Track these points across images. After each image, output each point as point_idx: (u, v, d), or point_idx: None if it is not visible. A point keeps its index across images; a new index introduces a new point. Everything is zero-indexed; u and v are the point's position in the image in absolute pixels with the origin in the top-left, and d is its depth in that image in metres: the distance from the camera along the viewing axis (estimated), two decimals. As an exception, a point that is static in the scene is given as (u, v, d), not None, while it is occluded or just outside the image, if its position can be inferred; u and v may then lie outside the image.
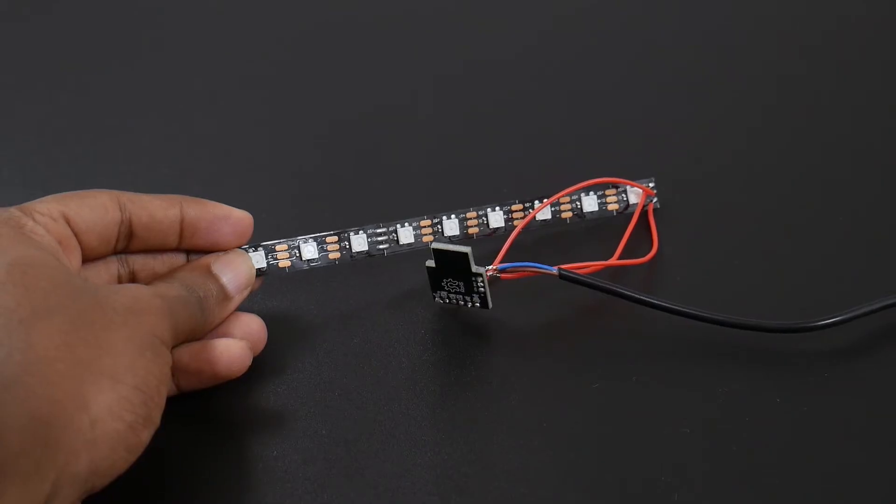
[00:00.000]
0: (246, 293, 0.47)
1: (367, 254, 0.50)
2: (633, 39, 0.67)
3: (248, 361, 0.46)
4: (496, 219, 0.52)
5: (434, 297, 0.49)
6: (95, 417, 0.38)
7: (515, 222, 0.52)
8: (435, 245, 0.47)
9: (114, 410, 0.38)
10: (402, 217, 0.50)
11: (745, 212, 0.55)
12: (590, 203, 0.54)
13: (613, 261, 0.51)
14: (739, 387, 0.46)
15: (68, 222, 0.43)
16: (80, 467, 0.37)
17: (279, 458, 0.44)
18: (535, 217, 0.53)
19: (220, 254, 0.47)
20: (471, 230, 0.52)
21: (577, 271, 0.48)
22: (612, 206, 0.54)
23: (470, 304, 0.49)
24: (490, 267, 0.48)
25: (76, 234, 0.44)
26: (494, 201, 0.52)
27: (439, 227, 0.51)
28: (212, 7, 0.69)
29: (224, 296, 0.46)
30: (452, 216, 0.51)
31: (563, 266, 0.48)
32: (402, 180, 0.58)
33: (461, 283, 0.48)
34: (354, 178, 0.58)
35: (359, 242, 0.50)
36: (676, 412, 0.46)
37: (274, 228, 0.54)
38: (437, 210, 0.51)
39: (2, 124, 0.61)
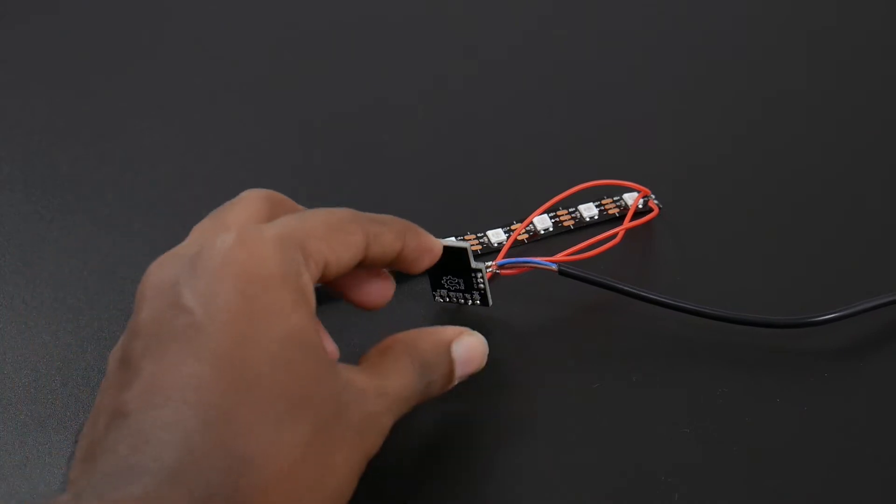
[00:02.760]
0: (466, 378, 0.44)
1: None
2: (629, 42, 0.67)
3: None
4: (497, 235, 0.53)
5: (434, 297, 0.49)
6: None
7: (514, 226, 0.53)
8: None
9: None
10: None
11: (744, 208, 0.55)
12: (588, 209, 0.54)
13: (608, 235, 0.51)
14: (739, 386, 0.46)
15: (326, 268, 0.39)
16: None
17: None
18: (535, 227, 0.53)
19: (464, 332, 0.43)
20: (473, 248, 0.52)
21: (577, 255, 0.48)
22: (612, 211, 0.54)
23: (470, 302, 0.49)
24: (490, 263, 0.48)
25: (323, 277, 0.40)
26: (493, 217, 0.53)
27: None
28: (212, 7, 0.69)
29: (449, 380, 0.43)
30: (451, 238, 0.52)
31: (561, 260, 0.48)
32: (403, 180, 0.58)
33: (461, 281, 0.48)
34: (354, 179, 0.58)
35: None
36: (676, 412, 0.46)
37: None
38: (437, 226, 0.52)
39: (2, 124, 0.61)
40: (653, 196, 0.54)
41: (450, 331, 0.43)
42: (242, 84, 0.64)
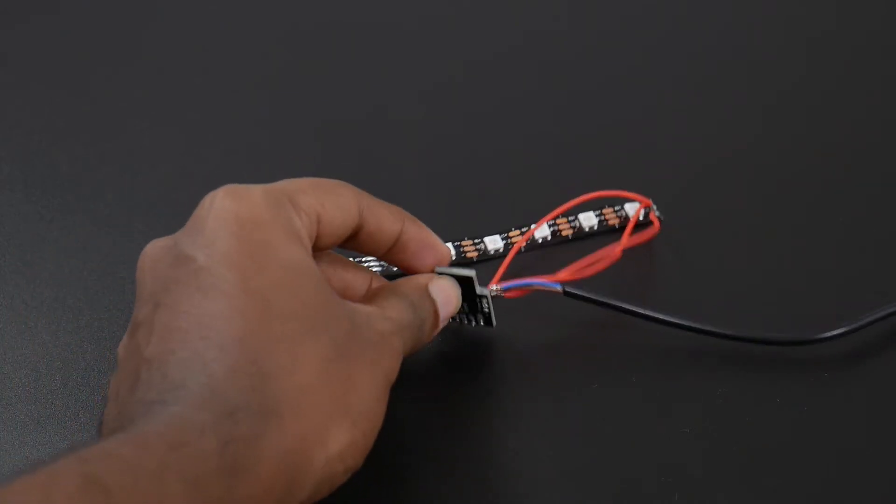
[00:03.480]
0: (446, 322, 0.46)
1: None
2: (626, 44, 0.67)
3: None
4: (494, 242, 0.52)
5: None
6: (329, 458, 0.36)
7: (514, 240, 0.52)
8: (439, 269, 0.46)
9: (343, 454, 0.37)
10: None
11: (744, 221, 0.55)
12: (588, 219, 0.54)
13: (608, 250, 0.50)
14: (739, 387, 0.46)
15: (319, 224, 0.41)
16: None
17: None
18: (533, 235, 0.53)
19: (435, 277, 0.45)
20: (469, 254, 0.52)
21: (580, 273, 0.48)
22: (612, 221, 0.54)
23: (474, 324, 0.48)
24: (494, 287, 0.48)
25: (319, 237, 0.42)
26: (490, 221, 0.53)
27: None
28: (212, 7, 0.69)
29: (436, 321, 0.45)
30: (449, 244, 0.52)
31: (564, 279, 0.48)
32: (401, 183, 0.58)
33: (465, 304, 0.47)
34: (352, 181, 0.58)
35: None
36: (676, 412, 0.46)
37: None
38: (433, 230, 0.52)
39: (2, 124, 0.61)
40: (654, 207, 0.54)
41: (424, 276, 0.45)
42: (242, 84, 0.64)
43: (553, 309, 0.49)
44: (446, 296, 0.45)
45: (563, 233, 0.53)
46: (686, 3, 0.70)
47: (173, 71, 0.65)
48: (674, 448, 0.44)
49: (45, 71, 0.64)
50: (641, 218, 0.53)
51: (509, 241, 0.53)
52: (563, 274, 0.48)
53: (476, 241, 0.53)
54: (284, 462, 0.35)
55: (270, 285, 0.37)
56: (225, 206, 0.39)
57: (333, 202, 0.42)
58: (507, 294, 0.48)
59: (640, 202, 0.53)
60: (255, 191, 0.39)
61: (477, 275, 0.46)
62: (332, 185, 0.43)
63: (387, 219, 0.44)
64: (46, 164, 0.58)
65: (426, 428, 0.45)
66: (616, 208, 0.54)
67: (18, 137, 0.60)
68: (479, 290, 0.47)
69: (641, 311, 0.48)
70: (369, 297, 0.43)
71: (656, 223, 0.53)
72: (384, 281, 0.46)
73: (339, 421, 0.37)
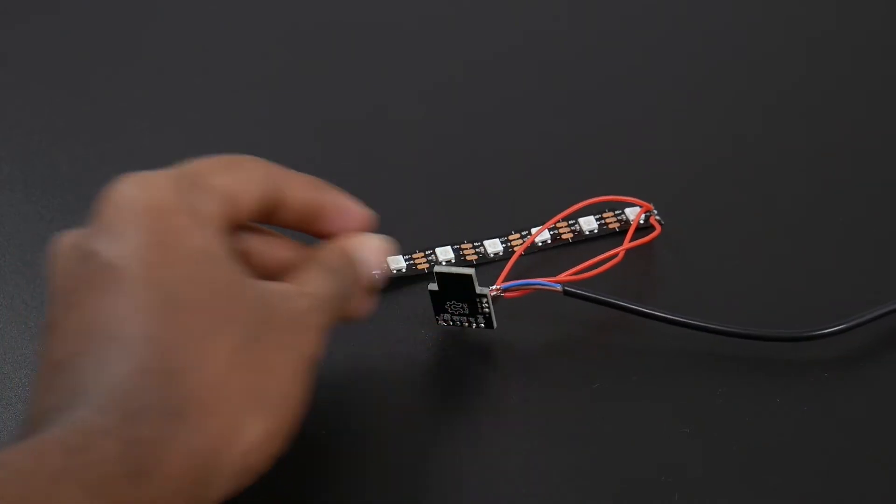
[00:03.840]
0: (384, 278, 0.44)
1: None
2: (626, 45, 0.67)
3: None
4: (494, 245, 0.52)
5: (437, 320, 0.49)
6: (245, 451, 0.35)
7: (514, 246, 0.52)
8: (438, 268, 0.46)
9: (262, 445, 0.36)
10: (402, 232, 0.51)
11: (744, 220, 0.55)
12: (588, 223, 0.54)
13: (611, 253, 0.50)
14: (739, 387, 0.46)
15: (231, 197, 0.40)
16: (213, 500, 0.35)
17: (279, 458, 0.44)
18: (534, 241, 0.53)
19: (355, 238, 0.43)
20: (468, 257, 0.52)
21: (579, 275, 0.48)
22: (613, 225, 0.54)
23: (475, 326, 0.48)
24: (494, 287, 0.48)
25: (236, 213, 0.40)
26: (490, 223, 0.53)
27: (433, 256, 0.52)
28: (213, 7, 0.69)
29: (368, 284, 0.43)
30: (447, 247, 0.52)
31: (564, 280, 0.48)
32: (400, 185, 0.58)
33: (465, 305, 0.47)
34: (351, 181, 0.58)
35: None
36: (676, 412, 0.46)
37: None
38: (433, 233, 0.52)
39: (2, 124, 0.61)
40: (655, 212, 0.53)
41: (343, 238, 0.43)
42: (242, 84, 0.64)
43: (553, 309, 0.49)
44: (373, 253, 0.43)
45: (564, 236, 0.53)
46: (686, 3, 0.70)
47: (173, 71, 0.65)
48: (674, 448, 0.44)
49: (45, 71, 0.64)
50: (642, 222, 0.53)
51: (509, 244, 0.53)
52: (563, 276, 0.48)
53: (476, 244, 0.53)
54: (193, 461, 0.34)
55: (176, 278, 0.36)
56: (130, 195, 0.37)
57: (246, 177, 0.41)
58: (507, 294, 0.48)
59: (641, 206, 0.53)
60: (160, 177, 0.38)
61: (477, 276, 0.46)
62: (242, 159, 0.42)
63: (303, 188, 0.43)
64: (46, 164, 0.58)
65: (426, 428, 0.45)
66: (616, 212, 0.54)
67: (18, 137, 0.60)
68: (478, 289, 0.47)
69: (641, 308, 0.48)
70: (292, 271, 0.41)
71: (657, 227, 0.53)
72: (309, 251, 0.43)
73: (252, 412, 0.36)
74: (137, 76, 0.64)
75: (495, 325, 0.48)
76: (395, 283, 0.51)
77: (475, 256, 0.52)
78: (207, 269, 0.37)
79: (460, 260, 0.52)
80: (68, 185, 0.57)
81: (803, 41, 0.67)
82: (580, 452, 0.45)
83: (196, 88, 0.63)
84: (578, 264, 0.49)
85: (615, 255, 0.50)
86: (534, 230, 0.53)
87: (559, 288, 0.47)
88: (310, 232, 0.44)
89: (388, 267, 0.45)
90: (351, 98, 0.63)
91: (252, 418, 0.36)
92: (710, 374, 0.47)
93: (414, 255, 0.52)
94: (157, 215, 0.37)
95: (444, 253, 0.52)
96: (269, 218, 0.43)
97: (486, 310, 0.47)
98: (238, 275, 0.37)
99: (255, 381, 0.36)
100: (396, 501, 0.43)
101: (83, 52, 0.66)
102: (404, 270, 0.51)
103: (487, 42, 0.67)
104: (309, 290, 0.40)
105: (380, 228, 0.54)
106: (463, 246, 0.53)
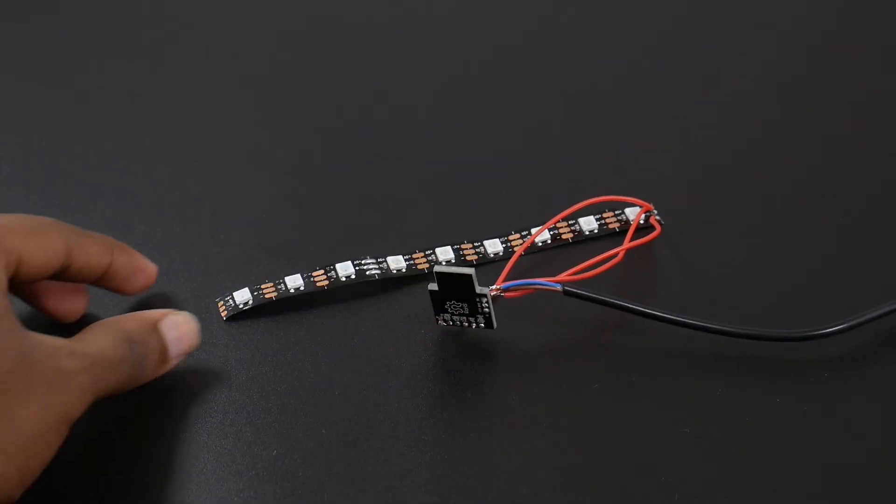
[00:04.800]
0: (183, 357, 0.46)
1: (378, 275, 0.51)
2: (627, 45, 0.67)
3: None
4: (494, 245, 0.52)
5: (437, 321, 0.49)
6: None
7: (514, 246, 0.52)
8: (438, 268, 0.46)
9: None
10: (403, 232, 0.51)
11: (744, 220, 0.55)
12: (588, 223, 0.54)
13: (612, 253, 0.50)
14: (739, 387, 0.46)
15: (19, 264, 0.42)
16: None
17: (279, 458, 0.44)
18: (534, 241, 0.53)
19: (169, 313, 0.46)
20: (468, 257, 0.52)
21: (578, 275, 0.48)
22: (613, 225, 0.54)
23: (475, 326, 0.48)
24: (494, 287, 0.48)
25: (18, 275, 0.43)
26: (490, 223, 0.53)
27: (433, 256, 0.52)
28: (212, 7, 0.69)
29: (164, 358, 0.45)
30: (447, 247, 0.52)
31: (564, 280, 0.48)
32: (402, 184, 0.58)
33: (465, 305, 0.47)
34: (352, 180, 0.58)
35: (345, 268, 0.51)
36: (676, 412, 0.46)
37: (274, 229, 0.54)
38: (433, 233, 0.52)
39: (2, 124, 0.61)
40: (655, 212, 0.53)
41: (156, 312, 0.45)
42: (242, 84, 0.64)
43: (553, 309, 0.49)
44: (181, 332, 0.45)
45: (564, 236, 0.53)
46: (686, 3, 0.70)
47: (173, 71, 0.65)
48: (674, 448, 0.44)
49: (45, 71, 0.64)
50: (642, 222, 0.53)
51: (509, 244, 0.53)
52: (563, 276, 0.48)
53: (476, 244, 0.53)
54: None
55: None
56: None
57: (37, 244, 0.43)
58: (507, 294, 0.48)
59: (642, 206, 0.53)
60: None
61: (477, 276, 0.46)
62: (40, 224, 0.43)
63: (95, 254, 0.46)
64: (46, 164, 0.58)
65: (426, 428, 0.45)
66: (617, 212, 0.54)
67: (18, 137, 0.60)
68: (478, 289, 0.47)
69: (641, 308, 0.48)
70: (86, 328, 0.43)
71: (657, 227, 0.53)
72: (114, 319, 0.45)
73: None
74: (137, 76, 0.64)
75: (495, 325, 0.48)
76: (395, 283, 0.51)
77: (475, 256, 0.52)
78: None
79: (460, 260, 0.52)
80: (68, 185, 0.57)
81: (803, 41, 0.67)
82: (580, 452, 0.45)
83: (196, 88, 0.63)
84: (578, 264, 0.49)
85: (615, 255, 0.50)
86: (534, 230, 0.53)
87: (559, 288, 0.47)
88: (102, 287, 0.47)
89: (196, 341, 0.46)
90: (352, 97, 0.63)
91: None
92: (710, 374, 0.47)
93: (414, 255, 0.52)
94: None
95: (445, 253, 0.52)
96: (60, 277, 0.45)
97: (486, 310, 0.47)
98: (7, 324, 0.39)
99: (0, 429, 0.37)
100: (396, 501, 0.43)
101: (83, 52, 0.66)
102: (404, 270, 0.51)
103: (489, 42, 0.67)
104: (88, 350, 0.41)
105: (381, 228, 0.54)
106: (463, 246, 0.53)
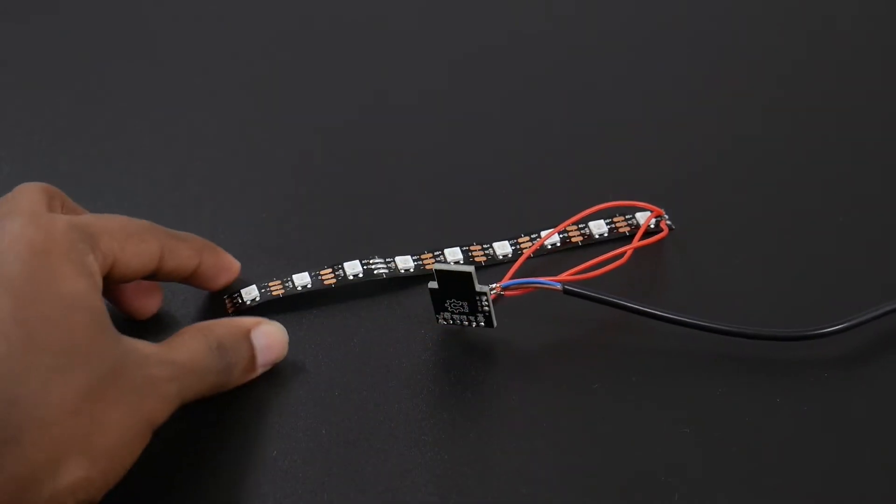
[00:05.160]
0: (269, 367, 0.47)
1: (386, 273, 0.51)
2: (627, 45, 0.67)
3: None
4: (503, 247, 0.52)
5: (437, 319, 0.49)
6: (56, 491, 0.37)
7: (523, 248, 0.52)
8: (437, 266, 0.46)
9: (75, 489, 0.38)
10: (407, 230, 0.51)
11: (745, 220, 0.55)
12: (598, 226, 0.53)
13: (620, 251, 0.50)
14: (739, 387, 0.46)
15: (114, 267, 0.43)
16: None
17: (279, 458, 0.44)
18: (544, 244, 0.52)
19: (262, 321, 0.46)
20: (477, 258, 0.52)
21: (581, 275, 0.48)
22: (623, 229, 0.53)
23: (475, 324, 0.48)
24: (494, 285, 0.48)
25: (112, 276, 0.43)
26: (499, 226, 0.53)
27: (441, 257, 0.52)
28: (212, 7, 0.69)
29: (251, 366, 0.45)
30: (456, 248, 0.52)
31: (566, 279, 0.48)
32: (406, 185, 0.58)
33: (465, 304, 0.47)
34: (354, 181, 0.58)
35: (353, 267, 0.51)
36: (676, 412, 0.46)
37: (274, 230, 0.54)
38: (442, 236, 0.52)
39: (2, 124, 0.61)
40: (666, 216, 0.53)
41: (248, 320, 0.46)
42: (242, 84, 0.64)
43: (553, 309, 0.49)
44: (270, 341, 0.46)
45: (573, 239, 0.53)
46: (686, 3, 0.70)
47: (173, 71, 0.65)
48: (674, 448, 0.44)
49: (45, 71, 0.64)
50: (652, 226, 0.53)
51: (518, 247, 0.53)
52: (566, 275, 0.48)
53: (485, 245, 0.53)
54: (10, 486, 0.36)
55: (40, 317, 0.38)
56: (23, 231, 0.40)
57: (134, 248, 0.43)
58: (508, 292, 0.48)
59: (652, 211, 0.53)
60: (59, 221, 0.41)
61: (480, 276, 0.46)
62: (137, 228, 0.44)
63: (186, 258, 0.46)
64: (46, 164, 0.58)
65: (426, 428, 0.46)
66: (627, 217, 0.54)
67: (18, 137, 0.60)
68: (478, 287, 0.47)
69: (641, 308, 0.48)
70: (176, 334, 0.43)
71: (666, 231, 0.53)
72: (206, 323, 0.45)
73: (75, 457, 0.37)
74: (137, 76, 0.64)
75: (495, 323, 0.48)
76: (396, 283, 0.51)
77: (484, 258, 0.52)
78: (73, 315, 0.39)
79: (468, 261, 0.52)
80: (68, 185, 0.57)
81: (804, 41, 0.67)
82: (580, 452, 0.45)
83: (196, 88, 0.63)
84: (581, 262, 0.49)
85: (620, 256, 0.50)
86: (543, 233, 0.53)
87: (559, 287, 0.47)
88: (190, 284, 0.48)
89: (283, 352, 0.47)
90: (351, 98, 0.63)
91: (74, 462, 0.37)
92: (710, 374, 0.47)
93: (423, 256, 0.52)
94: (43, 255, 0.39)
95: (453, 254, 0.52)
96: (147, 278, 0.45)
97: (486, 308, 0.47)
98: (103, 327, 0.40)
99: (86, 431, 0.38)
100: (396, 501, 0.43)
101: (83, 52, 0.66)
102: (412, 270, 0.51)
103: (488, 42, 0.67)
104: (178, 359, 0.42)
105: (381, 230, 0.54)
106: (472, 247, 0.53)
